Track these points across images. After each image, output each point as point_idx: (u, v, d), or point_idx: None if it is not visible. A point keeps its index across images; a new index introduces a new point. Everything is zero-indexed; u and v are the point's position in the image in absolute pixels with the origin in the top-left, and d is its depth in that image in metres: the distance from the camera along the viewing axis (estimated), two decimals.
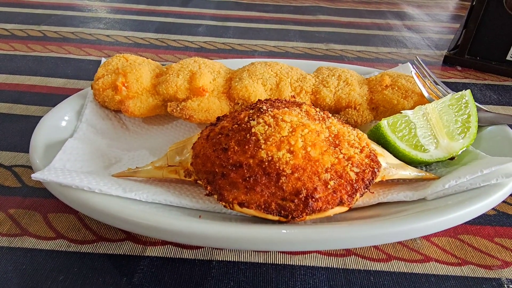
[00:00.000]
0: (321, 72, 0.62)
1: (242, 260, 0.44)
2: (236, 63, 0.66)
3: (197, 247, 0.45)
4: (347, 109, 0.58)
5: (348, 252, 0.45)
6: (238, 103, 0.58)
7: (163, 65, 0.63)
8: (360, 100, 0.58)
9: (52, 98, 0.73)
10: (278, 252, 0.44)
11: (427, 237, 0.47)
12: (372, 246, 0.46)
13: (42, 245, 0.45)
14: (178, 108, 0.55)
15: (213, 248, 0.45)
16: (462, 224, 0.49)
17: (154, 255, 0.44)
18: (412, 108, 0.57)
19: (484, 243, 0.47)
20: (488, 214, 0.51)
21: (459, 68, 0.93)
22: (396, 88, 0.59)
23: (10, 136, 0.62)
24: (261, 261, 0.44)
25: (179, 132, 0.59)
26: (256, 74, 0.58)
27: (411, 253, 0.45)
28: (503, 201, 0.53)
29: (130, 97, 0.56)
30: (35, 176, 0.41)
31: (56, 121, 0.54)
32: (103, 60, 0.63)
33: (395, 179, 0.48)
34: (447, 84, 0.86)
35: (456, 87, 0.85)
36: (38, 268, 0.42)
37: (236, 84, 0.57)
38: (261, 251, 0.44)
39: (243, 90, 0.56)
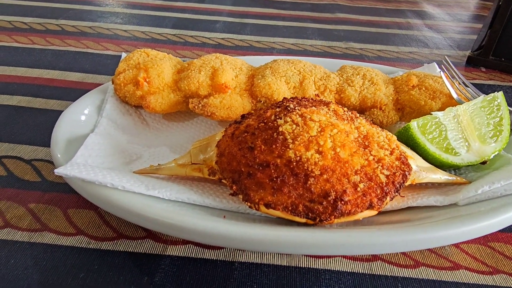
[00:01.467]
0: (345, 70, 0.60)
1: (265, 262, 0.43)
2: (257, 60, 0.65)
3: (219, 247, 0.44)
4: (372, 109, 0.57)
5: (374, 257, 0.44)
6: (261, 101, 0.56)
7: (182, 61, 0.62)
8: (386, 100, 0.57)
9: (71, 92, 0.72)
10: (302, 255, 0.43)
11: (457, 244, 0.46)
12: (400, 253, 0.44)
13: (62, 241, 0.44)
14: (200, 105, 0.54)
15: (235, 249, 0.44)
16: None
17: (175, 254, 0.44)
18: (439, 109, 0.55)
19: None
20: None
21: (483, 69, 0.91)
22: (424, 89, 0.57)
23: (29, 130, 0.62)
24: (285, 264, 0.43)
25: (199, 129, 0.58)
26: (279, 72, 0.57)
27: (440, 260, 0.44)
28: None
29: (152, 92, 0.55)
30: (58, 171, 0.40)
31: (77, 116, 0.53)
32: (124, 54, 0.62)
33: (424, 182, 0.46)
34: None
35: (480, 89, 0.83)
36: (58, 264, 0.42)
37: (259, 81, 0.56)
38: (280, 254, 0.43)
39: (266, 87, 0.55)
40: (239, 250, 0.44)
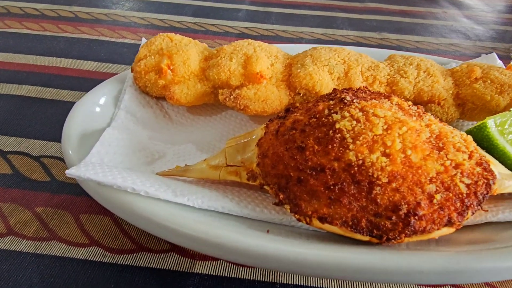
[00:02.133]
0: (396, 60, 0.53)
1: (311, 285, 0.36)
2: (291, 49, 0.57)
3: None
4: (429, 105, 0.49)
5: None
6: (300, 93, 0.49)
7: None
8: (445, 94, 0.49)
9: (84, 82, 0.66)
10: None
11: None
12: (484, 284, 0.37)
13: (73, 253, 0.38)
14: (231, 97, 0.47)
15: None
16: None
17: (205, 272, 0.37)
18: (508, 105, 0.48)
19: None
20: None
21: None
22: (489, 81, 0.49)
23: (39, 122, 0.56)
24: (336, 286, 0.35)
25: (229, 124, 0.51)
26: (321, 60, 0.50)
27: None
28: None
29: (176, 82, 0.48)
30: (70, 172, 0.33)
31: (92, 107, 0.46)
32: (144, 40, 0.55)
33: (505, 193, 0.38)
34: None
35: None
36: (68, 281, 0.36)
37: (299, 70, 0.49)
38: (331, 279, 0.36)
39: (307, 78, 0.48)
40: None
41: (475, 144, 0.37)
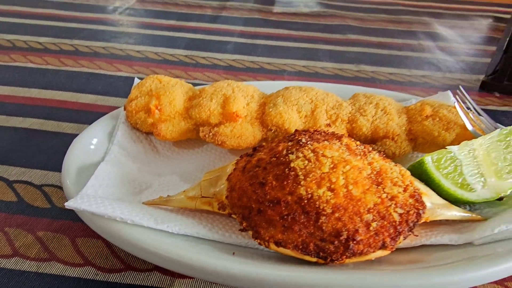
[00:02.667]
0: (358, 99, 0.60)
1: None
2: (269, 86, 0.65)
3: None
4: (384, 140, 0.56)
5: None
6: (271, 130, 0.56)
7: (193, 84, 0.62)
8: (398, 130, 0.56)
9: (83, 115, 0.73)
10: None
11: None
12: None
13: (69, 272, 0.44)
14: (210, 134, 0.54)
15: None
16: None
17: None
18: (454, 140, 0.54)
19: None
20: None
21: (497, 95, 0.89)
22: (437, 119, 0.56)
23: (41, 153, 0.62)
24: None
25: (210, 157, 0.58)
26: (291, 100, 0.57)
27: None
28: None
29: (163, 120, 0.55)
30: (69, 204, 0.40)
31: (88, 143, 0.53)
32: (136, 80, 0.63)
33: (438, 220, 0.45)
34: (485, 112, 0.82)
35: (494, 115, 0.81)
36: None
37: (270, 110, 0.56)
38: None
39: (277, 116, 0.55)
40: None
41: (412, 178, 0.43)
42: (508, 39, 0.88)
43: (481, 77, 0.94)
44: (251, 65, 0.98)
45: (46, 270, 0.44)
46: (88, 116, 0.72)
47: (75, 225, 0.50)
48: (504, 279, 0.45)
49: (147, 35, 1.13)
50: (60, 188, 0.56)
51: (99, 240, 0.48)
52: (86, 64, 0.93)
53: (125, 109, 0.58)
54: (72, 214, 0.51)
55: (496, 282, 0.45)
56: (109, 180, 0.47)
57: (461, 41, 1.23)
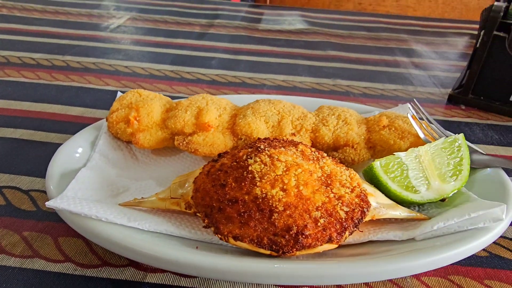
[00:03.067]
0: (322, 111, 0.65)
1: None
2: (243, 99, 0.70)
3: (194, 276, 0.47)
4: (345, 148, 0.61)
5: None
6: (241, 139, 0.61)
7: (175, 98, 0.68)
8: (357, 139, 0.61)
9: (70, 126, 0.78)
10: (271, 286, 0.46)
11: (417, 277, 0.49)
12: (364, 284, 0.47)
13: (51, 267, 0.48)
14: (184, 142, 0.59)
15: (208, 278, 0.47)
16: (452, 264, 0.50)
17: (154, 281, 0.47)
18: (408, 148, 0.60)
19: (474, 284, 0.48)
20: (480, 256, 0.53)
21: (463, 107, 0.95)
22: (393, 129, 0.61)
23: (29, 162, 0.67)
24: None
25: (185, 163, 0.63)
26: (259, 112, 0.62)
27: None
28: (496, 243, 0.54)
29: (141, 130, 0.60)
30: (49, 204, 0.45)
31: (72, 151, 0.58)
32: (119, 94, 0.68)
33: (386, 218, 0.49)
34: (450, 122, 0.88)
35: (458, 126, 0.87)
36: None
37: (240, 120, 0.61)
38: (253, 284, 0.47)
39: (246, 126, 0.60)
40: (212, 280, 0.47)
41: (360, 180, 0.48)
42: (471, 56, 0.94)
43: (449, 91, 1.00)
44: (233, 80, 1.04)
45: (29, 266, 0.48)
46: (75, 127, 0.76)
47: (58, 225, 0.54)
48: (448, 273, 0.50)
49: (135, 52, 1.19)
50: (46, 192, 0.60)
51: (79, 239, 0.52)
52: (76, 79, 0.98)
53: (107, 120, 0.63)
54: (56, 216, 0.55)
55: (440, 276, 0.49)
56: (88, 184, 0.52)
57: (435, 57, 1.29)
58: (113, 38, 1.30)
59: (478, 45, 0.92)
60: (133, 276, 0.48)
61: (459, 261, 0.45)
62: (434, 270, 0.50)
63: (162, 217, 0.48)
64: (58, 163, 0.54)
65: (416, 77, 1.13)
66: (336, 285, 0.47)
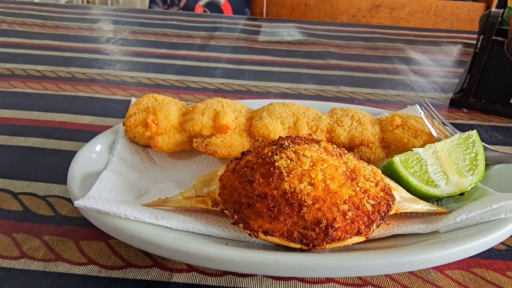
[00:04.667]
0: (335, 112, 0.66)
1: None
2: (255, 104, 0.71)
3: (221, 275, 0.47)
4: (360, 147, 0.62)
5: (364, 283, 0.47)
6: (258, 140, 0.62)
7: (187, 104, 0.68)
8: (372, 138, 0.62)
9: (82, 134, 0.78)
10: (299, 281, 0.47)
11: (441, 270, 0.49)
12: (388, 277, 0.48)
13: (75, 270, 0.48)
14: (203, 144, 0.59)
15: (236, 276, 0.47)
16: (474, 258, 0.51)
17: (180, 281, 0.47)
18: (421, 146, 0.61)
19: (497, 276, 0.49)
20: (499, 249, 0.53)
21: (465, 110, 0.98)
22: (406, 128, 0.63)
23: (43, 168, 0.66)
24: None
25: (202, 166, 0.63)
26: (275, 114, 0.63)
27: (426, 285, 0.47)
28: None
29: (159, 133, 0.60)
30: (78, 203, 0.45)
31: (90, 155, 0.58)
32: (133, 99, 0.68)
33: (408, 212, 0.50)
34: (454, 125, 0.90)
35: (462, 128, 0.89)
36: None
37: (257, 122, 0.61)
38: (282, 279, 0.47)
39: (263, 128, 0.61)
40: (240, 277, 0.47)
41: (382, 175, 0.49)
42: (471, 60, 0.97)
43: (450, 95, 1.03)
44: (239, 88, 1.05)
45: (53, 269, 0.48)
46: (87, 135, 0.76)
47: (79, 229, 0.54)
48: (470, 266, 0.50)
49: (140, 63, 1.20)
50: (64, 198, 0.60)
51: (101, 242, 0.52)
52: (83, 89, 0.98)
53: (124, 124, 0.63)
54: (76, 220, 0.55)
55: (463, 269, 0.50)
56: (111, 185, 0.52)
57: (432, 64, 1.33)
58: (116, 50, 1.31)
59: (477, 50, 0.95)
60: (159, 276, 0.47)
61: (480, 254, 0.45)
62: (456, 263, 0.50)
63: (188, 216, 0.48)
64: (78, 166, 0.54)
65: (416, 83, 1.15)
66: (358, 277, 0.47)
